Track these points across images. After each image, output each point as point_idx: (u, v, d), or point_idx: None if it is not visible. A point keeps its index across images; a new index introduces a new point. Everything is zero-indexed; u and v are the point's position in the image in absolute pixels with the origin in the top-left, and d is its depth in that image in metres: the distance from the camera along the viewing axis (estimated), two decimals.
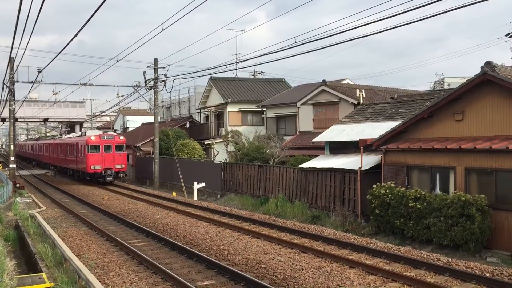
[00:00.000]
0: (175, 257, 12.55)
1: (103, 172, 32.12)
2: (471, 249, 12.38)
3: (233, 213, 19.32)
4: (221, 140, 32.92)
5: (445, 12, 11.77)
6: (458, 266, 10.89)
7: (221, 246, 13.41)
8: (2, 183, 27.17)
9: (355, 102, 24.51)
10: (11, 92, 31.35)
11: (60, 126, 70.56)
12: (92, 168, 31.93)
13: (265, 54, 17.84)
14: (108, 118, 73.59)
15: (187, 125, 40.47)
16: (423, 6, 11.62)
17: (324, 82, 27.53)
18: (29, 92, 35.70)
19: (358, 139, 17.53)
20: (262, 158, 25.85)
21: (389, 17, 12.45)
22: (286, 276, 10.31)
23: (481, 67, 12.98)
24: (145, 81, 31.78)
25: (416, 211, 13.69)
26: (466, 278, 9.97)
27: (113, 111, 51.30)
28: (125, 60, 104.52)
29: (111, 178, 32.52)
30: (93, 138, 32.47)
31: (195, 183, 25.92)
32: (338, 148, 20.78)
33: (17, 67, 30.83)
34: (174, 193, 27.48)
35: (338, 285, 9.67)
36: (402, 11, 12.11)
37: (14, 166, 31.91)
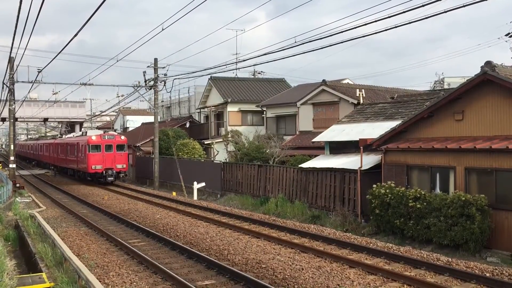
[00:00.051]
0: (175, 257, 12.55)
1: (104, 172, 32.06)
2: (471, 249, 12.39)
3: (233, 213, 19.32)
4: (221, 140, 32.90)
5: (445, 12, 11.78)
6: (458, 266, 10.89)
7: (221, 246, 13.42)
8: (2, 183, 27.16)
9: (355, 102, 24.51)
10: (11, 92, 31.36)
11: (60, 126, 70.50)
12: (93, 168, 31.90)
13: (265, 54, 17.86)
14: (108, 118, 73.53)
15: (187, 125, 40.46)
16: (423, 6, 11.63)
17: (324, 82, 27.53)
18: (29, 92, 35.66)
19: (358, 139, 17.53)
20: (262, 158, 25.84)
21: (389, 17, 12.47)
22: (286, 276, 10.31)
23: (481, 67, 12.98)
24: (145, 81, 31.78)
25: (416, 211, 13.70)
26: (466, 278, 9.98)
27: (113, 111, 51.33)
28: (125, 60, 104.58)
29: (112, 178, 32.48)
30: (94, 137, 32.41)
31: (195, 183, 25.92)
32: (338, 148, 20.79)
33: (17, 67, 30.92)
34: (174, 193, 27.48)
35: (338, 285, 9.68)
36: (402, 11, 12.13)
37: (14, 166, 31.92)
